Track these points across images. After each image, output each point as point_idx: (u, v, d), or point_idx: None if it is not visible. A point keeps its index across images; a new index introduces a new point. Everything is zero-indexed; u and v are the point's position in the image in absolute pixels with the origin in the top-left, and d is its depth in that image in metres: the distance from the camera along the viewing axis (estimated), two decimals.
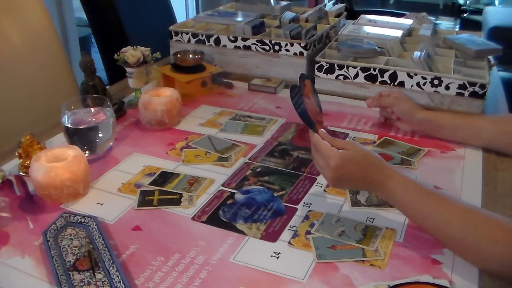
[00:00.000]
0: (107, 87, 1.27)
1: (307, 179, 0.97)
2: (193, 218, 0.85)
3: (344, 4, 2.02)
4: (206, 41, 1.51)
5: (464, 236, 0.72)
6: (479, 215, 0.74)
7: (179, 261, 0.75)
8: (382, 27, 1.63)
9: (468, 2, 5.61)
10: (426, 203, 0.76)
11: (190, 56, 1.42)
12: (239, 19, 1.61)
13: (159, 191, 0.93)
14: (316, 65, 1.37)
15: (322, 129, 0.84)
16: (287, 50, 1.41)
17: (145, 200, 0.90)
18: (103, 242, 0.76)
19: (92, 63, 1.17)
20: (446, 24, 5.80)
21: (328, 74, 1.36)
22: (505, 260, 0.69)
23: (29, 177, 0.89)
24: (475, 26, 4.48)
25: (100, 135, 1.02)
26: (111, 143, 1.07)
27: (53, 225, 0.81)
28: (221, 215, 0.86)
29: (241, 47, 1.47)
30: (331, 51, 1.44)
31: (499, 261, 0.70)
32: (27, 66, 1.32)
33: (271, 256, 0.77)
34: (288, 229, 0.82)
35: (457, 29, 4.46)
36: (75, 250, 0.77)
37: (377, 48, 1.40)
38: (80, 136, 1.02)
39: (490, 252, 0.70)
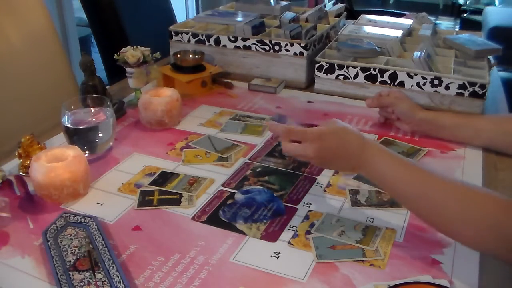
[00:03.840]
0: (107, 87, 1.27)
1: (307, 179, 0.97)
2: (193, 218, 0.85)
3: (344, 4, 2.02)
4: (206, 41, 1.51)
5: (456, 212, 0.70)
6: (468, 190, 0.72)
7: (179, 261, 0.75)
8: (382, 27, 1.63)
9: (468, 2, 5.61)
10: (412, 180, 0.75)
11: (190, 56, 1.42)
12: (239, 19, 1.61)
13: (159, 191, 0.93)
14: (316, 65, 1.37)
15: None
16: (287, 50, 1.41)
17: (145, 200, 0.90)
18: (103, 242, 0.76)
19: (92, 63, 1.17)
20: (446, 24, 5.81)
21: (328, 74, 1.36)
22: (498, 235, 0.66)
23: (29, 177, 0.89)
24: (475, 26, 4.48)
25: (100, 135, 1.02)
26: (111, 143, 1.07)
27: (53, 225, 0.81)
28: (221, 215, 0.86)
29: (241, 47, 1.47)
30: (331, 51, 1.44)
31: (491, 238, 0.67)
32: (27, 66, 1.32)
33: (271, 256, 0.77)
34: (288, 229, 0.82)
35: (457, 29, 4.45)
36: (75, 250, 0.77)
37: (377, 48, 1.40)
38: (80, 136, 1.02)
39: (479, 227, 0.68)
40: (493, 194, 0.70)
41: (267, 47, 1.44)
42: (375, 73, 1.31)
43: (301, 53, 1.40)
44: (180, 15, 2.98)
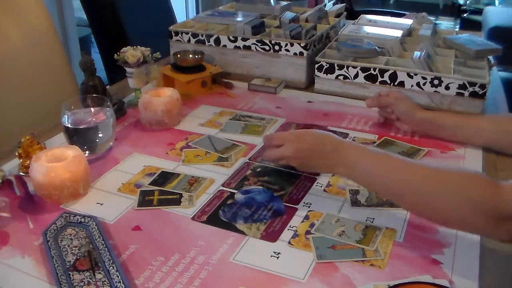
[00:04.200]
0: (107, 87, 1.27)
1: (307, 179, 0.97)
2: (193, 218, 0.85)
3: (344, 4, 2.02)
4: (206, 41, 1.51)
5: (432, 191, 0.73)
6: (451, 173, 0.74)
7: (179, 261, 0.75)
8: (382, 27, 1.63)
9: (468, 2, 5.61)
10: (394, 171, 0.78)
11: (190, 56, 1.42)
12: (239, 19, 1.61)
13: (159, 191, 0.93)
14: (316, 65, 1.37)
15: None
16: (287, 50, 1.41)
17: (145, 200, 0.90)
18: (103, 242, 0.76)
19: (92, 63, 1.17)
20: (446, 24, 5.80)
21: (328, 74, 1.36)
22: (474, 208, 0.68)
23: (29, 177, 0.89)
24: (475, 26, 4.48)
25: (100, 135, 1.02)
26: (111, 143, 1.07)
27: (53, 225, 0.81)
28: (221, 215, 0.86)
29: (241, 47, 1.47)
30: (331, 51, 1.44)
31: (468, 211, 0.69)
32: (27, 66, 1.32)
33: (271, 256, 0.77)
34: (288, 229, 0.82)
35: (457, 29, 4.46)
36: (75, 250, 0.77)
37: (377, 48, 1.40)
38: (80, 136, 1.02)
39: (455, 201, 0.70)
40: (469, 171, 0.73)
41: (267, 47, 1.44)
42: (375, 73, 1.31)
43: (301, 53, 1.40)
44: (180, 15, 2.99)
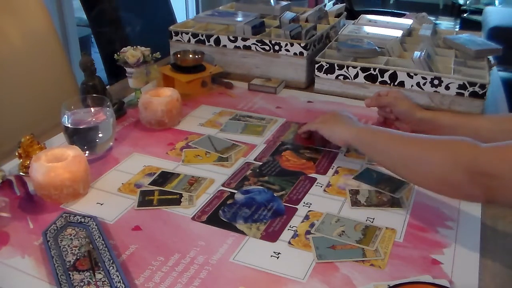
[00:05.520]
0: (107, 87, 1.27)
1: (307, 179, 0.97)
2: (193, 218, 0.85)
3: (344, 4, 2.02)
4: (206, 41, 1.51)
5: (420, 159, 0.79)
6: (441, 139, 0.80)
7: (179, 261, 0.75)
8: (382, 27, 1.63)
9: (468, 2, 5.61)
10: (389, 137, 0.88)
11: (190, 56, 1.42)
12: (239, 19, 1.61)
13: (159, 191, 0.93)
14: (316, 65, 1.37)
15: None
16: (287, 50, 1.41)
17: (145, 200, 0.90)
18: (103, 242, 0.76)
19: (92, 63, 1.17)
20: (446, 24, 5.80)
21: (328, 74, 1.36)
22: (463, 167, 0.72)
23: (29, 177, 0.89)
24: (475, 26, 4.48)
25: (100, 135, 1.02)
26: (111, 143, 1.07)
27: (53, 225, 0.81)
28: (221, 215, 0.86)
29: (241, 47, 1.47)
30: (331, 51, 1.44)
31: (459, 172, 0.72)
32: (27, 66, 1.32)
33: (271, 256, 0.77)
34: (288, 229, 0.82)
35: (457, 29, 4.46)
36: (75, 250, 0.77)
37: (377, 48, 1.40)
38: (80, 136, 1.02)
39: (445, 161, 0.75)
40: (460, 138, 0.77)
41: (267, 47, 1.44)
42: (375, 73, 1.31)
43: (301, 53, 1.40)
44: (180, 15, 2.99)
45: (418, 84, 1.26)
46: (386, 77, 1.30)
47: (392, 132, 0.91)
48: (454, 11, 6.18)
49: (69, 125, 1.01)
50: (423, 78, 1.25)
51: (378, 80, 1.31)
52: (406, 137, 0.87)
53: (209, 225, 0.84)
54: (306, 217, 0.86)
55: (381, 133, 0.91)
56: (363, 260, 0.75)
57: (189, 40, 1.54)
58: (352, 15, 2.68)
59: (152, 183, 0.95)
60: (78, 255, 0.76)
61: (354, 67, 1.32)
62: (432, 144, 0.80)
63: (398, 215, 0.86)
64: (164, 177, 0.97)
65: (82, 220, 0.82)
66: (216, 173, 0.99)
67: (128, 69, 1.25)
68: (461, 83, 1.22)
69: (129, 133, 1.16)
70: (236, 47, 1.48)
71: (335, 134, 1.00)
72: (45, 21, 1.39)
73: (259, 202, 0.89)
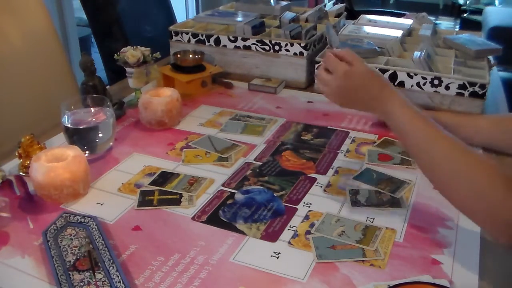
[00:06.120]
0: (107, 87, 1.27)
1: (307, 179, 0.97)
2: (193, 218, 0.85)
3: (344, 4, 2.02)
4: (206, 41, 1.51)
5: (459, 176, 0.71)
6: (477, 157, 0.73)
7: (179, 261, 0.75)
8: (382, 27, 1.63)
9: (468, 2, 5.61)
10: (425, 136, 0.77)
11: (190, 56, 1.42)
12: (239, 19, 1.61)
13: (159, 191, 0.93)
14: (316, 65, 1.36)
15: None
16: (287, 50, 1.41)
17: (145, 200, 0.90)
18: (103, 242, 0.76)
19: (92, 63, 1.17)
20: (446, 24, 5.81)
21: None
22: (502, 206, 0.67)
23: (29, 177, 0.89)
24: (475, 26, 4.48)
25: (100, 135, 1.02)
26: (111, 143, 1.07)
27: (53, 225, 0.81)
28: (221, 215, 0.86)
29: (241, 47, 1.47)
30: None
31: (494, 206, 0.68)
32: (27, 66, 1.32)
33: (271, 256, 0.77)
34: (288, 229, 0.82)
35: (457, 29, 4.46)
36: (75, 250, 0.77)
37: (377, 48, 1.40)
38: (80, 136, 1.02)
39: (483, 194, 0.69)
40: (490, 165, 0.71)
41: (267, 47, 1.44)
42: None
43: (301, 53, 1.40)
44: (180, 15, 2.99)
45: (418, 84, 1.26)
46: (386, 77, 1.30)
47: (429, 125, 0.79)
48: (454, 11, 6.18)
49: (69, 125, 1.01)
50: (423, 78, 1.25)
51: None
52: (435, 139, 0.77)
53: (209, 225, 0.84)
54: (306, 217, 0.86)
55: (416, 122, 0.80)
56: (363, 260, 0.75)
57: (189, 40, 1.54)
58: (352, 15, 2.68)
59: (152, 183, 0.95)
60: (78, 255, 0.76)
61: None
62: (464, 165, 0.72)
63: (398, 215, 0.86)
64: (164, 177, 0.97)
65: (82, 220, 0.82)
66: (216, 173, 0.99)
67: (128, 69, 1.25)
68: (461, 83, 1.22)
69: (129, 133, 1.16)
70: (236, 47, 1.48)
71: (353, 108, 0.92)
72: (45, 21, 1.39)
73: (259, 202, 0.89)
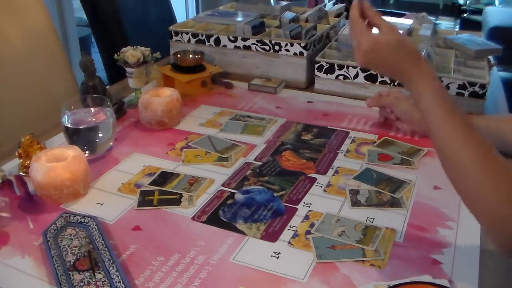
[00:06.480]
0: (107, 87, 1.27)
1: (307, 179, 0.97)
2: (193, 218, 0.85)
3: (344, 4, 2.02)
4: (206, 41, 1.51)
5: (472, 170, 0.67)
6: (496, 157, 0.68)
7: (179, 261, 0.75)
8: None
9: (468, 2, 5.62)
10: (448, 125, 0.71)
11: (190, 56, 1.42)
12: (239, 19, 1.61)
13: (159, 191, 0.93)
14: (316, 65, 1.37)
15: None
16: (287, 50, 1.41)
17: (145, 200, 0.90)
18: (103, 242, 0.76)
19: (92, 63, 1.17)
20: (446, 24, 5.81)
21: (328, 74, 1.36)
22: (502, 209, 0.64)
23: (29, 177, 0.89)
24: (475, 26, 4.49)
25: (100, 135, 1.02)
26: (111, 143, 1.07)
27: (53, 225, 0.81)
28: (221, 215, 0.86)
29: (241, 47, 1.47)
30: (331, 51, 1.44)
31: (496, 208, 0.65)
32: (27, 66, 1.32)
33: (271, 256, 0.77)
34: (288, 229, 0.82)
35: (457, 29, 4.46)
36: (75, 250, 0.77)
37: None
38: (80, 136, 1.02)
39: (488, 196, 0.65)
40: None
41: (267, 47, 1.44)
42: (375, 73, 1.31)
43: (301, 53, 1.40)
44: (180, 15, 2.99)
45: None
46: (386, 77, 1.30)
47: (451, 120, 0.71)
48: (454, 11, 6.19)
49: (69, 125, 1.01)
50: None
51: (378, 80, 1.31)
52: (465, 138, 0.70)
53: (209, 225, 0.84)
54: (306, 217, 0.85)
55: (438, 117, 0.72)
56: (363, 260, 0.75)
57: (189, 40, 1.54)
58: None
59: (152, 183, 0.95)
60: (78, 255, 0.76)
61: (354, 67, 1.32)
62: (487, 171, 0.67)
63: (398, 215, 0.86)
64: (164, 177, 0.97)
65: (82, 220, 0.82)
66: (216, 173, 0.99)
67: (128, 69, 1.25)
68: (461, 83, 1.22)
69: (129, 133, 1.16)
70: (236, 47, 1.48)
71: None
72: (45, 21, 1.39)
73: (259, 202, 0.89)
